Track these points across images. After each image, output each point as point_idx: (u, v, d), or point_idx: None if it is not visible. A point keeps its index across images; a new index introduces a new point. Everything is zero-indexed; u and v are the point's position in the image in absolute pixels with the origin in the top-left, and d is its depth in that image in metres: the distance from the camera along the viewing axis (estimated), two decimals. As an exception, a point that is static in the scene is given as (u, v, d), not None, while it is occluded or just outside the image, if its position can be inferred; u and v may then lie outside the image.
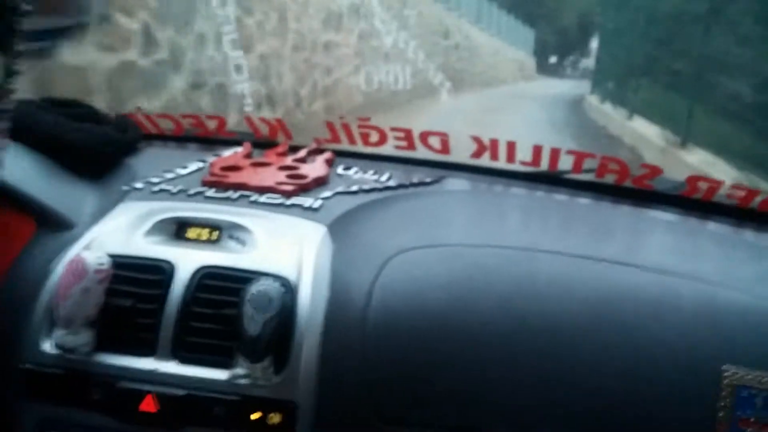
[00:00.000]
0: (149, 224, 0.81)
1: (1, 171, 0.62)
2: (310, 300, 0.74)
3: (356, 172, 1.06)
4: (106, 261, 0.72)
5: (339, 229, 0.84)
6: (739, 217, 1.00)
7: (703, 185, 1.01)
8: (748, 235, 0.97)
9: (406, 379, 0.71)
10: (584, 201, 1.05)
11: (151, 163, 1.02)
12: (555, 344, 0.71)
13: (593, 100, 9.98)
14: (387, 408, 0.71)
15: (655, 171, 1.04)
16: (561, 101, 10.82)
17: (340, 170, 1.06)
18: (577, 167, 1.07)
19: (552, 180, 1.10)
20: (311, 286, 0.75)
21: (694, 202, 1.02)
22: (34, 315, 0.74)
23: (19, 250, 0.80)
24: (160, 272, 0.75)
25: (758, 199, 0.97)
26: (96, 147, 0.95)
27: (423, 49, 6.12)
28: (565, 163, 1.08)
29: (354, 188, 0.97)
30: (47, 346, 0.73)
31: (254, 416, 0.70)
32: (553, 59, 18.92)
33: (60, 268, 0.75)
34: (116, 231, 0.80)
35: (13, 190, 0.82)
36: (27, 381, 0.73)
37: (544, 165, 1.09)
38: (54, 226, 0.83)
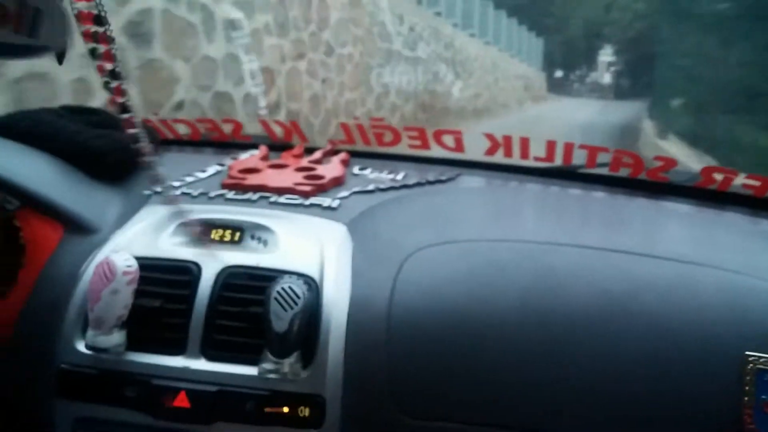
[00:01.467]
0: (173, 227, 0.82)
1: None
2: (334, 297, 0.75)
3: (372, 172, 1.07)
4: (133, 263, 0.73)
5: (358, 227, 0.85)
6: (755, 206, 1.00)
7: (718, 176, 1.01)
8: (764, 224, 0.98)
9: (429, 374, 0.72)
10: (599, 194, 1.06)
11: (170, 168, 1.03)
12: (576, 336, 0.71)
13: (649, 128, 8.32)
14: (411, 402, 0.72)
15: (670, 163, 1.04)
16: (599, 130, 8.63)
17: (356, 170, 1.08)
18: (591, 161, 1.08)
19: (567, 175, 1.11)
20: (334, 283, 0.76)
21: (710, 192, 1.02)
22: (67, 317, 0.76)
23: (49, 256, 0.82)
24: (186, 273, 0.76)
25: None
26: (118, 153, 0.97)
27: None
28: (579, 157, 1.09)
29: (371, 187, 0.98)
30: (81, 347, 0.74)
31: (284, 410, 0.71)
32: (558, 73, 17.79)
33: (89, 271, 0.76)
34: (141, 234, 0.82)
35: (40, 197, 0.84)
36: (62, 381, 0.74)
37: (558, 160, 1.10)
38: (81, 231, 0.84)
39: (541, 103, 13.42)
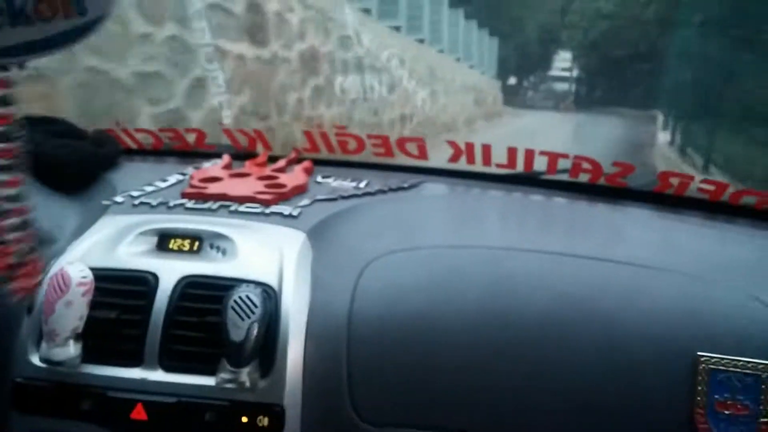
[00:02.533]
0: (131, 237, 0.81)
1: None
2: (292, 305, 0.74)
3: (335, 180, 1.07)
4: (88, 274, 0.72)
5: (318, 235, 0.85)
6: (711, 210, 1.03)
7: (674, 180, 1.04)
8: (720, 227, 1.00)
9: (389, 381, 0.72)
10: (560, 200, 1.08)
11: (131, 177, 1.02)
12: (534, 341, 0.72)
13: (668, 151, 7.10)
14: (371, 409, 0.72)
15: (628, 168, 1.06)
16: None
17: (319, 178, 1.08)
18: (551, 168, 1.10)
19: (528, 181, 1.13)
20: (293, 291, 0.76)
21: (667, 197, 1.05)
22: (22, 329, 0.74)
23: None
24: (143, 283, 0.75)
25: (728, 192, 1.00)
26: (76, 162, 0.95)
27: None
28: (540, 164, 1.11)
29: (332, 195, 0.98)
30: (36, 360, 0.73)
31: (242, 420, 0.70)
32: (517, 82, 15.09)
33: (44, 283, 0.75)
34: (98, 244, 0.81)
35: None
36: (17, 394, 0.73)
37: (520, 167, 1.11)
38: (37, 242, 0.83)
39: (496, 121, 10.75)
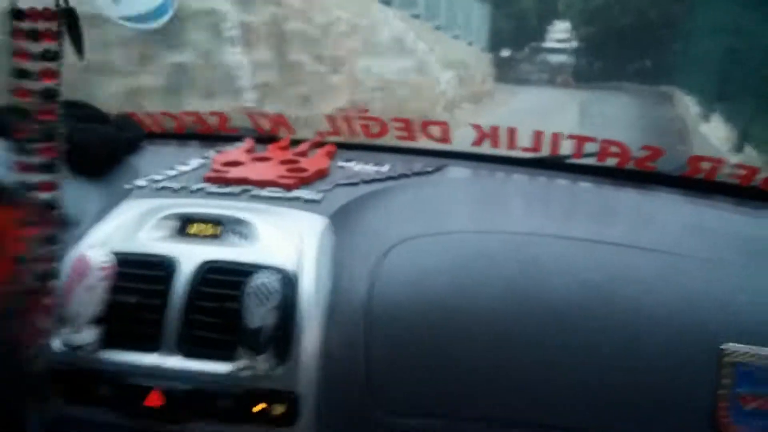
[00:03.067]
0: (152, 221, 0.82)
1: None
2: (312, 291, 0.74)
3: (357, 164, 1.06)
4: (109, 258, 0.73)
5: (340, 220, 0.85)
6: (741, 195, 0.99)
7: (705, 165, 1.01)
8: (751, 212, 0.97)
9: (409, 369, 0.72)
10: (587, 185, 1.05)
11: (154, 161, 1.03)
12: (558, 328, 0.71)
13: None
14: (390, 398, 0.72)
15: (657, 152, 1.03)
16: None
17: (341, 162, 1.07)
18: (578, 151, 1.07)
19: (554, 165, 1.10)
20: (313, 277, 0.75)
21: (697, 181, 1.01)
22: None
23: (24, 250, 0.81)
24: (163, 268, 0.76)
25: (760, 176, 0.96)
26: (99, 146, 0.97)
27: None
28: (567, 147, 1.08)
29: (355, 180, 0.97)
30: (56, 345, 0.74)
31: (258, 408, 0.71)
32: (505, 53, 12.43)
33: (65, 267, 0.76)
34: (120, 228, 0.82)
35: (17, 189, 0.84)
36: (36, 379, 0.74)
37: (546, 150, 1.09)
38: (59, 225, 0.84)
39: (485, 103, 8.74)
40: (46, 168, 0.67)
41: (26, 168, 0.66)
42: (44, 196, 0.67)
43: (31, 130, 0.65)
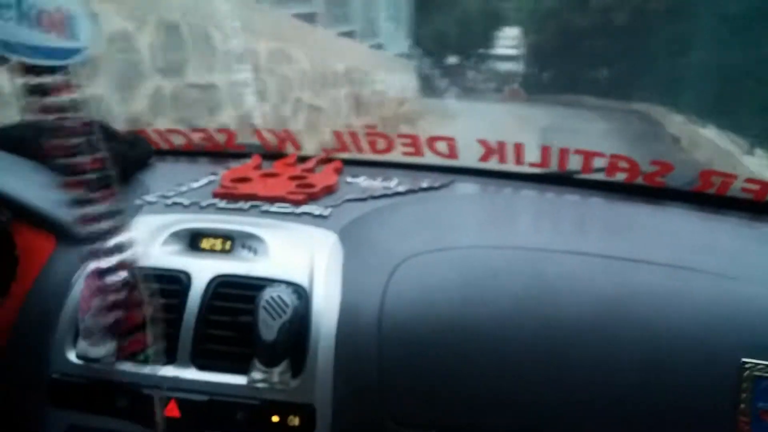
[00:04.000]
0: (164, 236, 0.82)
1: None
2: (323, 305, 0.74)
3: (365, 180, 1.07)
4: (123, 273, 0.73)
5: (349, 235, 0.85)
6: (754, 210, 0.99)
7: (716, 180, 1.01)
8: (764, 228, 0.97)
9: (420, 382, 0.71)
10: (595, 200, 1.05)
11: (164, 178, 1.03)
12: (569, 343, 0.71)
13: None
14: (402, 410, 0.71)
15: (666, 167, 1.03)
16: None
17: (348, 178, 1.07)
18: (586, 167, 1.07)
19: (562, 180, 1.11)
20: (324, 291, 0.75)
21: (709, 197, 1.01)
22: (59, 327, 0.76)
23: (41, 267, 0.81)
24: (176, 282, 0.76)
25: None
26: (111, 163, 0.97)
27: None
28: (575, 162, 1.09)
29: (363, 195, 0.97)
30: (72, 357, 0.74)
31: (273, 420, 0.70)
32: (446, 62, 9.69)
33: (81, 281, 0.76)
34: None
35: (33, 208, 0.84)
36: (54, 390, 0.75)
37: (554, 166, 1.09)
38: (73, 241, 0.84)
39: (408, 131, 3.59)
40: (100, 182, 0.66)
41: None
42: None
43: (62, 147, 0.64)
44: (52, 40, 0.59)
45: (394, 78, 7.36)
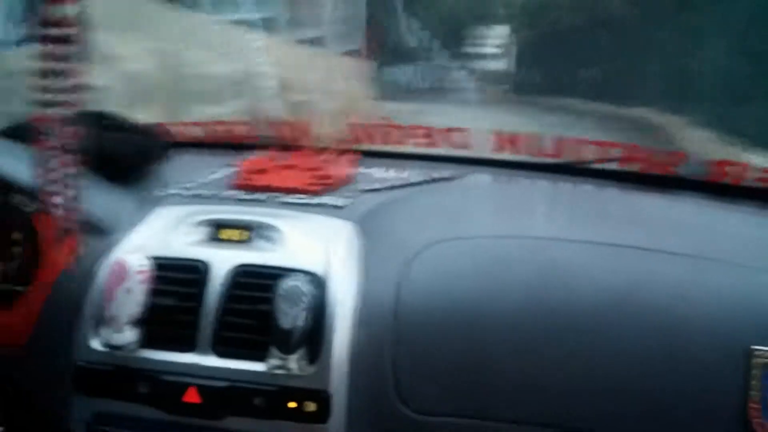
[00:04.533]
0: (185, 227, 0.84)
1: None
2: (340, 294, 0.76)
3: (379, 171, 1.08)
4: (146, 263, 0.75)
5: (365, 225, 0.86)
6: (763, 199, 0.99)
7: (730, 169, 1.01)
8: None
9: (436, 370, 0.73)
10: (610, 190, 1.06)
11: (183, 170, 1.05)
12: (581, 331, 0.72)
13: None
14: (417, 398, 0.73)
15: (680, 157, 1.04)
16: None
17: (363, 169, 1.09)
18: (600, 156, 1.08)
19: (576, 171, 1.11)
20: (340, 280, 0.77)
21: (720, 186, 1.02)
22: (84, 316, 0.78)
23: (66, 256, 0.84)
24: (196, 272, 0.78)
25: None
26: (130, 156, 0.99)
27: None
28: (589, 153, 1.09)
29: (378, 186, 0.99)
30: (97, 345, 0.76)
31: (290, 405, 0.72)
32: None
33: (104, 271, 0.78)
34: (154, 234, 0.84)
35: None
36: (79, 377, 0.77)
37: (568, 156, 1.10)
38: (96, 231, 0.86)
39: None
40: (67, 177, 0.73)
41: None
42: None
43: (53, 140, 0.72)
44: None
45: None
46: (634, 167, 1.06)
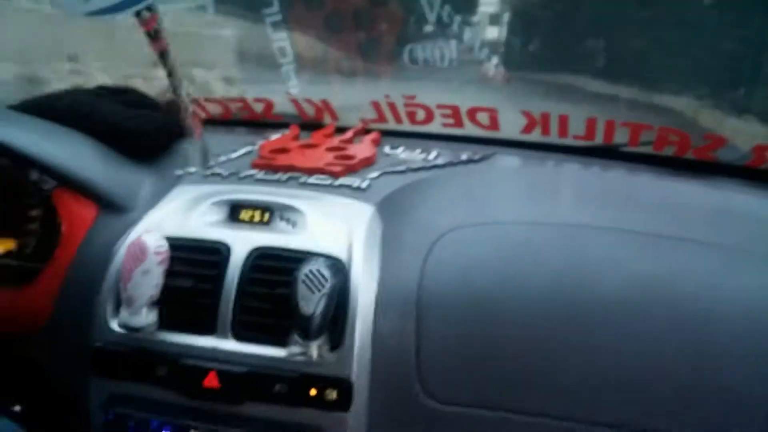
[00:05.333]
0: (203, 207, 0.82)
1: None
2: (362, 279, 0.74)
3: (403, 152, 1.05)
4: (164, 243, 0.73)
5: (387, 208, 0.84)
6: None
7: None
8: None
9: (458, 358, 0.71)
10: (642, 174, 1.01)
11: None
12: (608, 322, 0.69)
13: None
14: (439, 387, 0.71)
15: (719, 141, 0.99)
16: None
17: (387, 150, 1.06)
18: (633, 140, 1.03)
19: (608, 154, 1.07)
20: (362, 265, 0.75)
21: (761, 172, 0.97)
22: (102, 296, 0.77)
23: (84, 234, 0.83)
24: (216, 253, 0.76)
25: None
26: (150, 132, 0.97)
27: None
28: (621, 135, 1.05)
29: (401, 167, 0.96)
30: (115, 326, 0.75)
31: (311, 393, 0.71)
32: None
33: (122, 250, 0.77)
34: (173, 214, 0.82)
35: (76, 176, 0.85)
36: (96, 358, 0.76)
37: (599, 139, 1.05)
38: (115, 210, 0.85)
39: None
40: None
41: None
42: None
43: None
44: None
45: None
46: (669, 151, 1.01)
